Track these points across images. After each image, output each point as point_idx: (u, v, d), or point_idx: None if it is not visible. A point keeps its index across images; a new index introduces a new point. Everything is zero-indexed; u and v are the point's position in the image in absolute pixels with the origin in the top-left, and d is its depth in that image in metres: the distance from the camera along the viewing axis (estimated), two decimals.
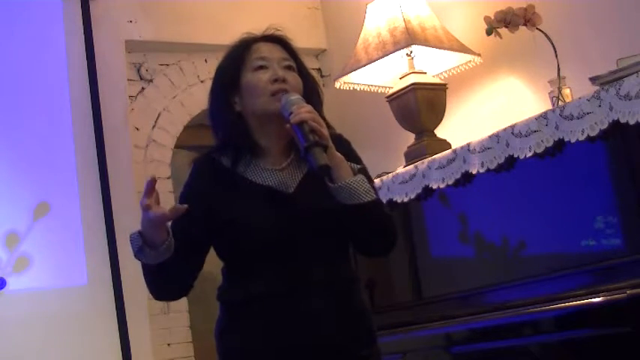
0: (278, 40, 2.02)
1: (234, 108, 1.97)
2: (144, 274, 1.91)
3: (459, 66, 3.61)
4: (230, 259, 1.97)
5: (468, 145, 2.96)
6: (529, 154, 2.73)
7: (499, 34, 3.19)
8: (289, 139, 1.92)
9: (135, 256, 1.85)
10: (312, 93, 1.99)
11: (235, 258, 1.95)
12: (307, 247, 1.88)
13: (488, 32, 3.19)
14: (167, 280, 1.89)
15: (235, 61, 1.98)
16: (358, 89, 3.76)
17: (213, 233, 1.95)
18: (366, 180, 1.85)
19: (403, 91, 3.47)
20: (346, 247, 1.97)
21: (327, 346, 1.87)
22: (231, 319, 1.94)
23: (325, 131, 1.83)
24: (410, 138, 3.56)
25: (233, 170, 1.94)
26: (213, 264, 2.03)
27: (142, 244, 1.81)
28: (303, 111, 1.83)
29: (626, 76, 2.49)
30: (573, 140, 2.59)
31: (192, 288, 1.98)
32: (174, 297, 2.04)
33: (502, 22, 3.15)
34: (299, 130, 1.81)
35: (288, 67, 1.97)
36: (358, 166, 1.91)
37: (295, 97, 1.89)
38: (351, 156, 1.96)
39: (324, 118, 1.92)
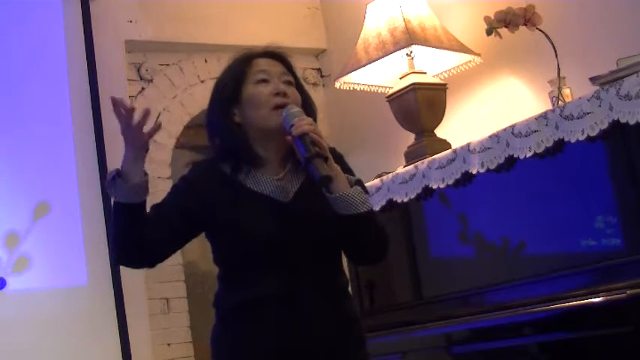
0: (277, 57, 2.07)
1: (233, 120, 2.01)
2: (110, 231, 1.93)
3: (458, 66, 3.61)
4: (226, 265, 2.00)
5: (468, 145, 2.97)
6: (529, 154, 2.73)
7: (499, 34, 3.19)
8: (287, 150, 1.97)
9: (106, 187, 1.88)
10: (307, 109, 2.04)
11: (231, 263, 1.99)
12: (302, 254, 1.92)
13: (488, 32, 3.19)
14: (128, 240, 1.89)
15: (236, 74, 2.03)
16: (358, 89, 3.76)
17: (209, 236, 2.00)
18: (362, 191, 1.92)
19: (403, 91, 3.47)
20: (339, 255, 2.02)
21: (321, 350, 1.90)
22: (225, 324, 1.97)
23: (325, 143, 1.89)
24: (410, 138, 3.56)
25: (233, 177, 1.98)
26: (214, 264, 2.03)
27: (116, 175, 1.85)
28: (304, 123, 1.89)
29: (626, 76, 2.49)
30: (573, 140, 2.59)
31: (153, 266, 2.00)
32: (134, 263, 2.03)
33: (502, 22, 3.15)
34: (300, 142, 1.87)
35: (288, 82, 2.03)
36: (355, 178, 1.97)
37: (296, 109, 1.95)
38: (344, 168, 1.99)
39: None
